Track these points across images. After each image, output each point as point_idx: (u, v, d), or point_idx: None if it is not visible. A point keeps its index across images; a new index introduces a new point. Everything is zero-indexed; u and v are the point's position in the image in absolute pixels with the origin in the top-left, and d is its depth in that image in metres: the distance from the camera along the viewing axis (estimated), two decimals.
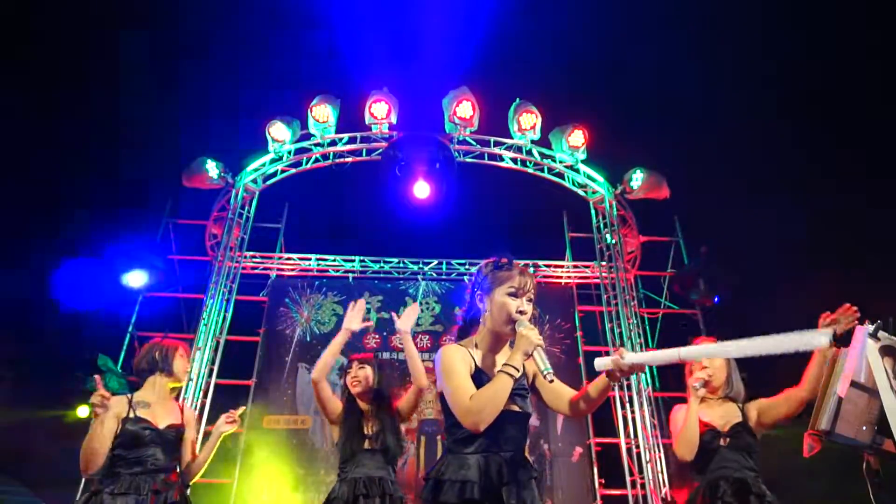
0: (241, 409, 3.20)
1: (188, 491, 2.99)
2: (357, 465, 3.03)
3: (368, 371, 3.31)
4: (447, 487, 1.83)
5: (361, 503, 2.92)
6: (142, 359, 3.03)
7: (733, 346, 1.80)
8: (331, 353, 3.18)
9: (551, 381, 1.91)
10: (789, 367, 2.51)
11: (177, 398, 3.11)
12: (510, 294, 2.00)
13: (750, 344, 1.76)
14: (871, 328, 1.82)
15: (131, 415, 2.80)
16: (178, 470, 2.89)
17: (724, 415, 2.77)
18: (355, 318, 3.19)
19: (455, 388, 1.89)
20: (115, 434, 2.74)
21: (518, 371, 1.88)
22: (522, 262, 8.31)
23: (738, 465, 2.60)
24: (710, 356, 2.22)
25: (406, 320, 3.23)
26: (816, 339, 1.63)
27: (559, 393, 2.11)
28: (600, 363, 1.99)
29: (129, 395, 2.91)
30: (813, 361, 2.54)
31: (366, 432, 3.13)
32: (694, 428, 2.67)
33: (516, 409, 1.98)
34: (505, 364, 1.89)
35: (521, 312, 1.98)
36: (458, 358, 1.97)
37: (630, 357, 1.92)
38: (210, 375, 6.93)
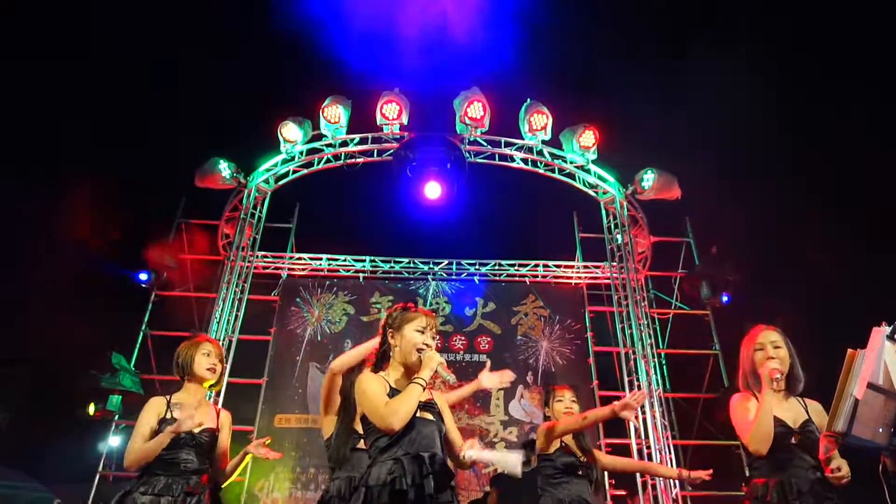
0: (268, 440, 3.17)
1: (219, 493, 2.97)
2: (351, 464, 2.99)
3: None
4: (377, 491, 2.07)
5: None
6: (174, 362, 3.03)
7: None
8: (360, 354, 3.10)
9: (454, 383, 2.40)
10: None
11: (215, 402, 3.07)
12: (417, 331, 2.37)
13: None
14: (888, 330, 1.81)
15: (168, 415, 2.82)
16: (209, 473, 2.84)
17: (791, 410, 2.65)
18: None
19: (371, 400, 2.21)
20: (153, 432, 2.77)
21: (425, 383, 2.23)
22: (532, 263, 8.38)
23: (808, 465, 2.50)
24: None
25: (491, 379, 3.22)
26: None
27: (451, 441, 2.46)
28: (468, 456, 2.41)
29: (168, 396, 2.93)
30: None
31: (360, 431, 3.12)
32: (770, 419, 2.53)
33: (429, 416, 2.29)
34: (415, 377, 2.24)
35: (425, 345, 2.34)
36: (373, 380, 2.30)
37: (469, 453, 2.36)
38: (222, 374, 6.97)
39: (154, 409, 2.84)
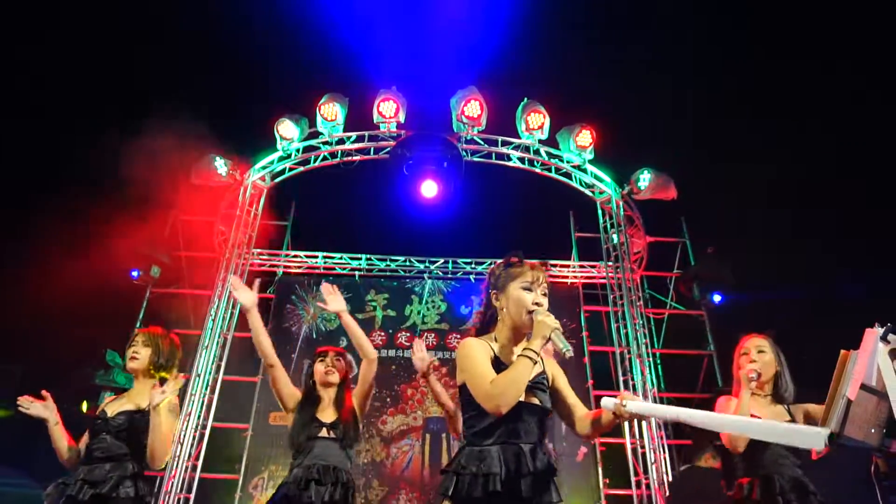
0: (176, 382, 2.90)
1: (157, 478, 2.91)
2: (312, 453, 3.01)
3: (343, 363, 3.37)
4: (470, 480, 1.85)
5: (313, 488, 2.86)
6: None
7: (738, 422, 1.96)
8: (262, 335, 3.18)
9: (570, 357, 1.94)
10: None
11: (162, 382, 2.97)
12: (524, 288, 2.06)
13: (750, 424, 1.93)
14: (881, 331, 1.82)
15: (101, 407, 2.90)
16: (129, 458, 2.74)
17: (774, 413, 2.75)
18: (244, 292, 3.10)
19: (476, 375, 1.93)
20: None
21: (537, 356, 1.91)
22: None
23: (790, 463, 2.60)
24: (708, 426, 2.04)
25: (337, 302, 3.33)
26: (811, 438, 1.65)
27: (571, 407, 2.16)
28: (605, 404, 2.02)
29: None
30: None
31: (323, 420, 3.13)
32: (747, 416, 2.62)
33: (535, 401, 2.01)
34: (525, 349, 1.93)
35: (536, 304, 2.04)
36: (478, 348, 2.02)
37: (631, 406, 1.95)
38: (217, 372, 6.97)
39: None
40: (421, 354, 3.47)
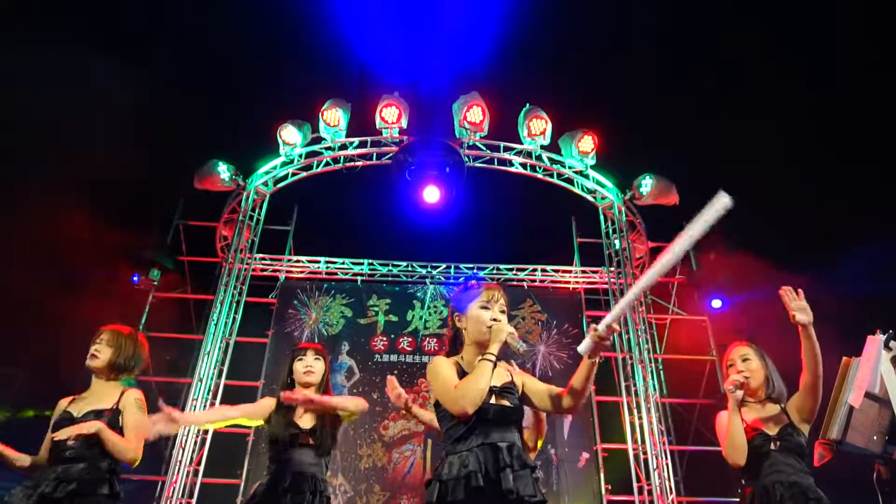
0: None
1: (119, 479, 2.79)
2: (288, 460, 2.89)
3: (323, 364, 3.23)
4: (452, 485, 1.95)
5: (288, 498, 2.78)
6: None
7: (674, 250, 1.94)
8: (208, 420, 3.16)
9: (524, 352, 2.19)
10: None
11: (132, 384, 2.95)
12: (482, 307, 2.25)
13: (681, 240, 1.92)
14: (884, 338, 1.82)
15: (61, 412, 2.82)
16: (105, 456, 2.71)
17: (770, 417, 2.72)
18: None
19: (442, 383, 2.13)
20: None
21: (494, 357, 2.11)
22: (530, 268, 8.39)
23: (792, 469, 2.55)
24: (661, 270, 2.00)
25: None
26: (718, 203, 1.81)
27: (550, 392, 2.28)
28: (583, 347, 2.15)
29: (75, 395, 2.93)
30: (802, 344, 2.52)
31: (301, 426, 2.98)
32: (739, 431, 2.62)
33: (506, 403, 2.14)
34: (484, 353, 2.13)
35: (494, 320, 2.21)
36: (444, 363, 2.22)
37: (600, 325, 2.10)
38: (219, 377, 6.98)
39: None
40: (396, 392, 3.28)
